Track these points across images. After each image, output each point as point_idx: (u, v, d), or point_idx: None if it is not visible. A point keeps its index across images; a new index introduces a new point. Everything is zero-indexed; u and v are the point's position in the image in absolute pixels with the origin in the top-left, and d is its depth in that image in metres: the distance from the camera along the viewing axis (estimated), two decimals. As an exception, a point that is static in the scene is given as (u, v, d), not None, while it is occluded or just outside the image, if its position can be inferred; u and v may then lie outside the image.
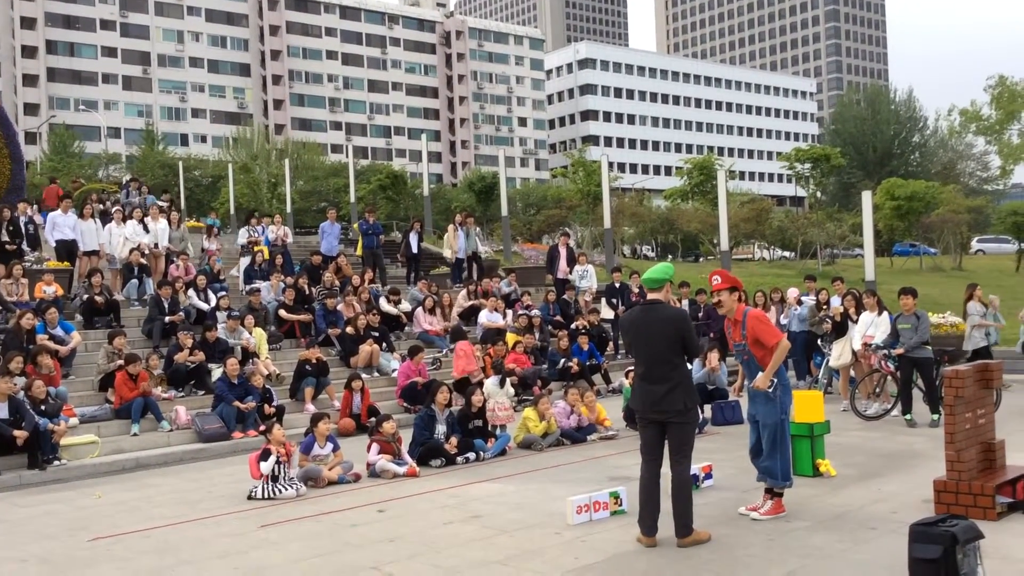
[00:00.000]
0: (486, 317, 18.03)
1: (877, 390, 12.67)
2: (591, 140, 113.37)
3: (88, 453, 11.41)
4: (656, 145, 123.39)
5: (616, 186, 40.34)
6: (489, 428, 11.09)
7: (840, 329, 13.77)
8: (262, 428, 9.56)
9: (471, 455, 10.49)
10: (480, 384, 12.51)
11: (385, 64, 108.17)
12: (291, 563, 6.76)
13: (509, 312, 18.65)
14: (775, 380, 7.42)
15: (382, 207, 39.90)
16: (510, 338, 16.65)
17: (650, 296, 6.99)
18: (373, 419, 13.16)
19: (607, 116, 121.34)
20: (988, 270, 37.36)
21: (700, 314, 17.82)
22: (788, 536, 6.89)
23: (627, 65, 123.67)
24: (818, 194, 37.91)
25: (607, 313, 18.93)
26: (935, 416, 11.69)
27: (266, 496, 8.92)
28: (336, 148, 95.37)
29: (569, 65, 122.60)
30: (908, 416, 11.81)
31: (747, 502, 7.74)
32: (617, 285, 18.99)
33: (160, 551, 7.25)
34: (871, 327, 12.90)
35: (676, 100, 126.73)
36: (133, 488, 10.00)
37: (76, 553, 7.28)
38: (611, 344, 18.56)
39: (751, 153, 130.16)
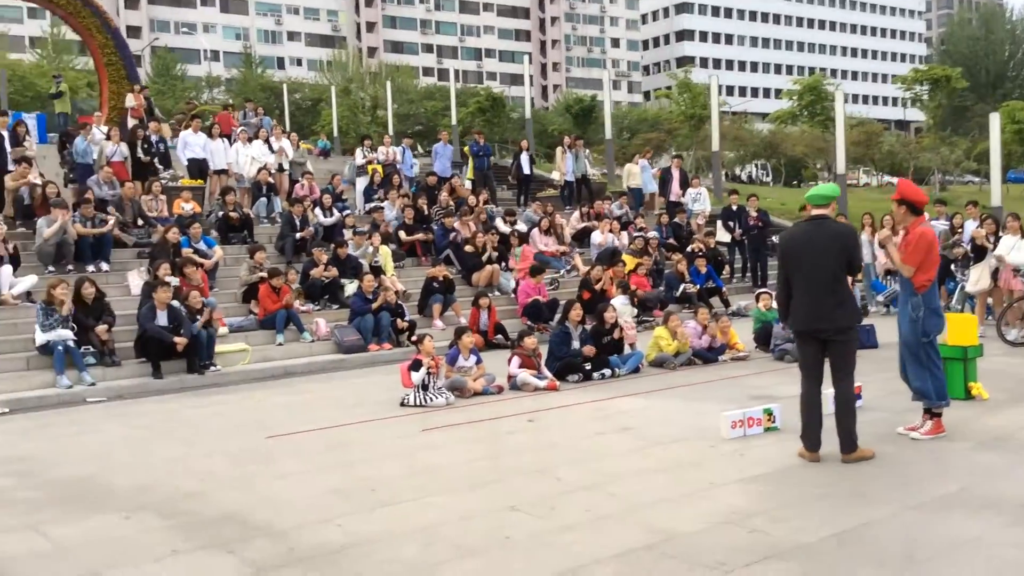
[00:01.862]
0: (601, 238, 18.10)
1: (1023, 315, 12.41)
2: (687, 61, 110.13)
3: (239, 360, 12.02)
4: (755, 67, 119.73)
5: (722, 110, 39.45)
6: (622, 345, 11.28)
7: (979, 254, 13.45)
8: (414, 339, 9.95)
9: (607, 371, 10.72)
10: (609, 302, 12.66)
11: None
12: (460, 464, 7.09)
13: (623, 234, 18.70)
14: (920, 303, 7.35)
15: (481, 130, 39.90)
16: (628, 260, 16.75)
17: (816, 212, 6.97)
18: (500, 335, 13.55)
19: (703, 36, 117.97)
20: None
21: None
22: (953, 455, 6.92)
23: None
24: (931, 118, 36.36)
25: (723, 236, 18.82)
26: (1078, 343, 11.45)
27: (418, 404, 9.31)
28: (428, 71, 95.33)
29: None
30: (1050, 342, 11.58)
31: (902, 423, 7.76)
32: (734, 208, 18.82)
33: (334, 448, 7.69)
34: (1014, 251, 12.58)
35: (776, 19, 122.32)
36: (289, 393, 10.54)
37: (258, 448, 7.77)
38: (727, 267, 18.48)
39: (855, 75, 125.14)
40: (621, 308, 12.82)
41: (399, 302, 13.53)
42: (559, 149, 22.70)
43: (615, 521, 5.60)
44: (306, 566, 5.01)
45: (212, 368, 11.56)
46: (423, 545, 5.29)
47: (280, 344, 12.67)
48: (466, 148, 22.23)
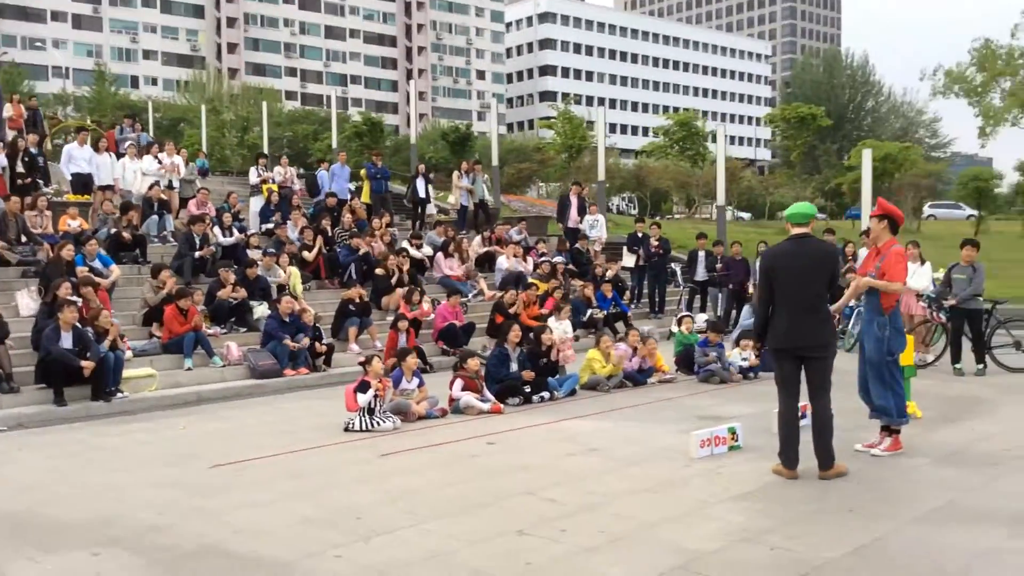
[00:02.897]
0: (508, 264, 18.00)
1: (927, 340, 13.00)
2: (549, 96, 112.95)
3: (146, 386, 11.23)
4: (613, 103, 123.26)
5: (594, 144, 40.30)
6: (556, 367, 11.16)
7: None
8: (361, 360, 9.48)
9: (545, 394, 10.56)
10: (546, 324, 12.53)
11: (343, 10, 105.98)
12: (440, 488, 6.76)
13: (528, 259, 18.66)
14: (887, 322, 7.58)
15: (353, 156, 39.29)
16: (539, 285, 16.68)
17: (798, 231, 7.05)
18: (419, 359, 13.18)
19: (565, 72, 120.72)
20: (946, 234, 38.35)
21: (718, 265, 18.03)
22: (919, 471, 7.09)
23: (587, 21, 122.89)
24: (796, 155, 38.18)
25: (627, 261, 19.05)
26: (980, 366, 12.06)
27: (364, 428, 8.88)
28: (291, 95, 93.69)
29: (529, 18, 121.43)
30: (957, 365, 12.14)
31: (855, 440, 7.91)
32: (640, 235, 19.09)
33: (292, 477, 7.21)
34: (915, 276, 13.17)
35: (634, 58, 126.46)
36: (212, 420, 9.89)
37: (208, 480, 7.20)
38: (627, 293, 18.68)
39: (706, 114, 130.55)
40: (556, 329, 12.70)
41: (316, 325, 12.98)
42: (456, 173, 22.54)
43: (634, 542, 5.43)
44: (325, 599, 4.62)
45: (119, 395, 10.74)
46: (442, 573, 4.96)
47: (189, 369, 11.90)
48: (362, 171, 21.76)
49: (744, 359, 11.97)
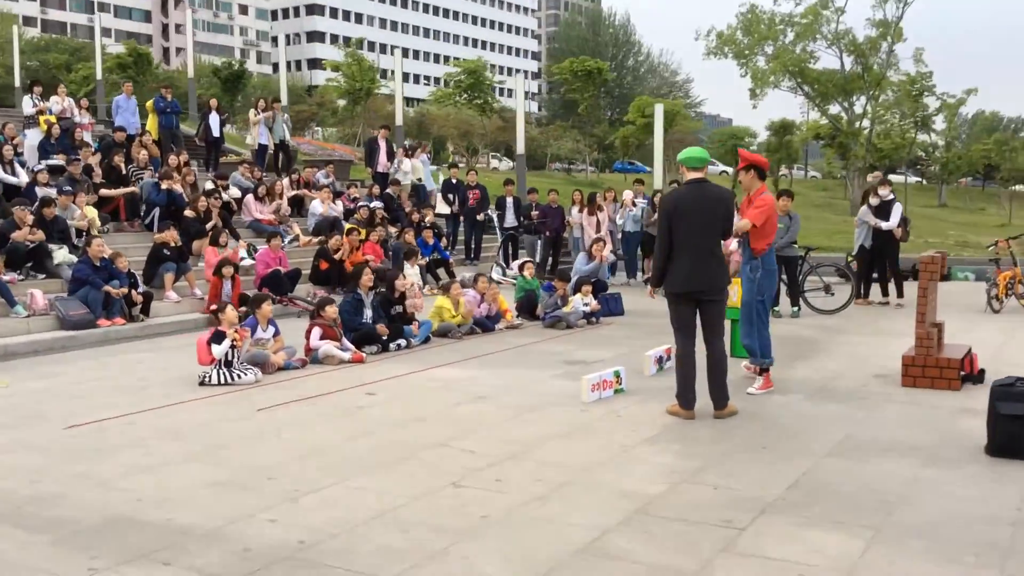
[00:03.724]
0: (322, 208, 17.28)
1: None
2: (317, 37, 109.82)
3: (-59, 340, 9.84)
4: (384, 48, 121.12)
5: (378, 87, 39.42)
6: (408, 314, 10.83)
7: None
8: (213, 308, 8.71)
9: (402, 342, 10.23)
10: (401, 269, 12.09)
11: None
12: (344, 443, 6.35)
13: (338, 203, 18.00)
14: (759, 264, 7.91)
15: (115, 91, 36.23)
16: (360, 231, 16.14)
17: (694, 175, 7.10)
18: (244, 308, 12.44)
19: (334, 12, 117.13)
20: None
21: (534, 212, 18.19)
22: (801, 408, 7.42)
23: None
24: (583, 108, 39.11)
25: (442, 208, 18.82)
26: (795, 309, 12.93)
27: (222, 382, 8.21)
28: (29, 21, 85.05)
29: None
30: (776, 308, 12.91)
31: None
32: (454, 181, 18.87)
33: (172, 436, 6.53)
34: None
35: (405, 3, 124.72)
36: (35, 377, 8.82)
37: (71, 443, 6.38)
38: (444, 239, 18.50)
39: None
40: (410, 274, 12.30)
41: (131, 271, 11.86)
42: (252, 112, 21.29)
43: (578, 488, 5.33)
44: (290, 570, 4.19)
45: (-91, 349, 9.35)
46: (399, 531, 4.65)
47: (-12, 320, 10.56)
48: (149, 103, 20.02)
49: (585, 304, 12.14)
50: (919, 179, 59.23)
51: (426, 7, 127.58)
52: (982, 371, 8.17)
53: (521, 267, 13.08)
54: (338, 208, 17.71)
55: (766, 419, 7.02)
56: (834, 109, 36.54)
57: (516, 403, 7.60)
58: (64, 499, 5.17)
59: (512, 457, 5.99)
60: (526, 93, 53.76)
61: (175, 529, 4.70)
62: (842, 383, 8.38)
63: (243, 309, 12.20)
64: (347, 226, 16.56)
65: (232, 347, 8.32)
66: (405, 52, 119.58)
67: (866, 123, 35.63)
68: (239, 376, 8.27)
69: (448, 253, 17.48)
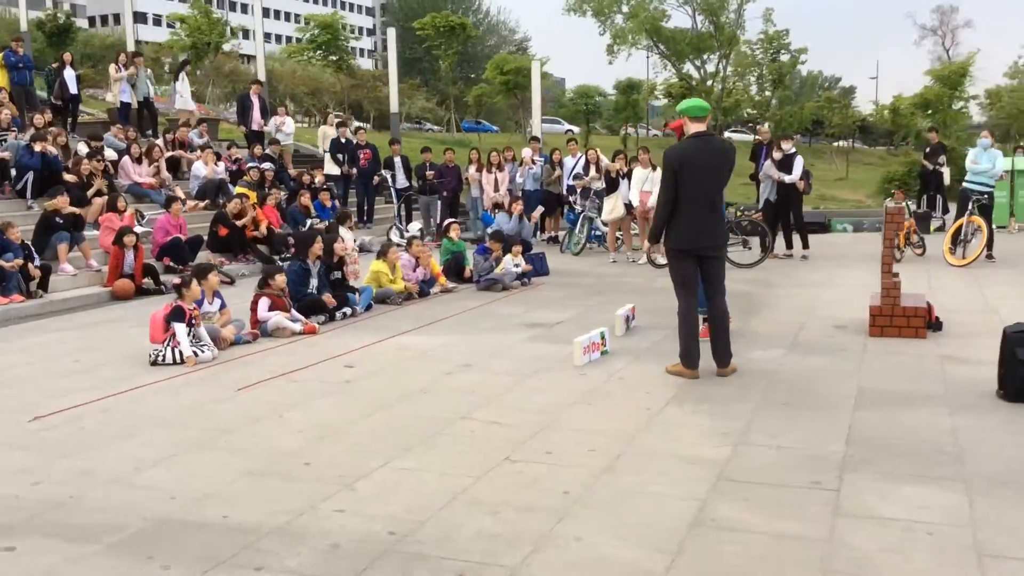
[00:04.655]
0: (206, 170, 16.22)
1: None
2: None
3: None
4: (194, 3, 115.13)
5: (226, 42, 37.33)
6: (347, 281, 10.29)
7: (611, 185, 14.63)
8: (176, 282, 7.88)
9: (347, 310, 9.70)
10: (338, 233, 11.43)
11: None
12: (355, 421, 5.91)
13: (220, 165, 16.96)
14: None
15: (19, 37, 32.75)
16: (248, 193, 15.25)
17: (698, 127, 6.93)
18: (148, 278, 11.60)
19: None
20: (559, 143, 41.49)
21: (429, 172, 17.73)
22: (789, 361, 7.48)
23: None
24: (447, 65, 38.26)
25: (331, 169, 18.05)
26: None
27: (177, 360, 7.52)
28: None
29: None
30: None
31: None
32: (343, 140, 18.11)
33: (160, 423, 5.90)
34: (647, 182, 13.92)
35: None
36: (-49, 364, 7.81)
37: (44, 435, 5.66)
38: (337, 201, 17.77)
39: (292, 17, 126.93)
40: (348, 239, 11.65)
41: (25, 242, 10.73)
42: (112, 67, 19.69)
43: (638, 457, 5.12)
44: (403, 564, 3.81)
45: None
46: (487, 514, 4.33)
47: None
48: (-3, 57, 18.17)
49: (516, 265, 11.90)
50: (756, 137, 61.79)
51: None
52: (938, 319, 8.48)
53: (446, 229, 12.67)
54: (220, 170, 16.69)
55: (768, 375, 7.02)
56: (687, 68, 37.49)
57: (508, 369, 7.32)
58: (84, 501, 4.55)
59: (545, 427, 5.73)
60: (362, 50, 52.37)
61: (238, 528, 4.21)
62: (809, 335, 8.52)
63: (148, 280, 11.40)
64: (237, 189, 15.62)
65: (190, 324, 7.63)
66: (233, 6, 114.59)
67: (719, 82, 36.68)
68: (198, 354, 7.59)
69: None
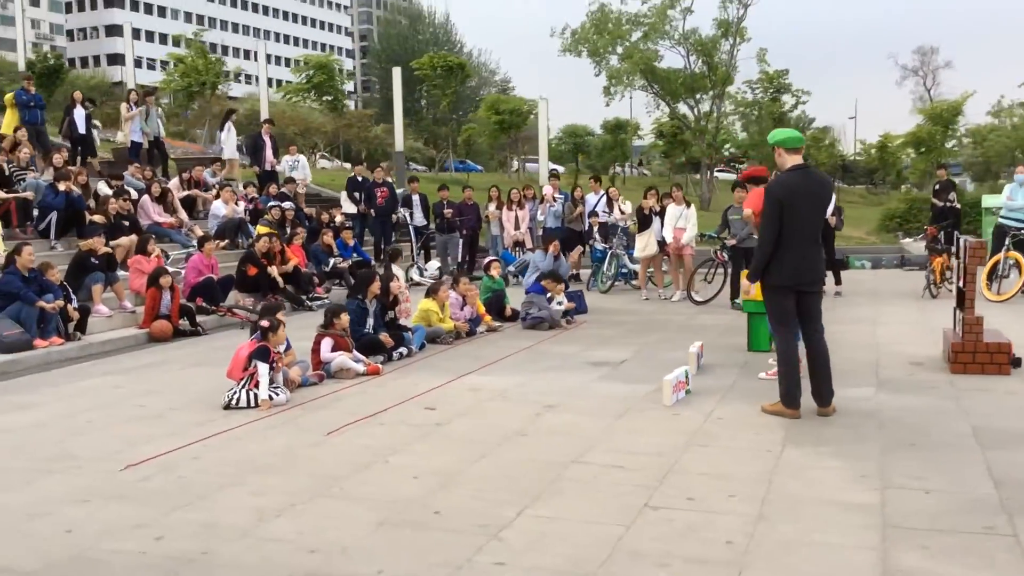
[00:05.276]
0: (226, 209, 15.93)
1: (708, 278, 13.64)
2: (116, 31, 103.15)
3: None
4: (191, 44, 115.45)
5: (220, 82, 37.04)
6: (399, 320, 10.02)
7: (644, 222, 14.47)
8: (265, 324, 7.52)
9: (403, 350, 9.41)
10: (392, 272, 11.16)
11: None
12: (463, 466, 5.61)
13: (240, 205, 16.69)
14: None
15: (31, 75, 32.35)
16: (263, 230, 14.95)
17: (794, 159, 6.77)
18: (185, 319, 11.29)
19: (135, 5, 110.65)
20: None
21: (446, 211, 17.52)
22: (883, 400, 7.27)
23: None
24: (439, 104, 38.28)
25: (348, 208, 17.80)
26: (737, 300, 13.00)
27: (251, 404, 7.20)
28: None
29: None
30: (737, 301, 12.91)
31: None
32: (359, 179, 17.89)
33: (258, 471, 5.57)
34: (680, 219, 13.79)
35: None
36: (9, 409, 7.44)
37: (142, 485, 5.32)
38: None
39: (287, 61, 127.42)
40: (402, 277, 11.39)
41: (64, 283, 10.39)
42: (124, 106, 19.43)
43: (782, 503, 4.86)
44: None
45: None
46: (660, 567, 4.06)
47: (-98, 345, 8.92)
48: (9, 97, 17.86)
49: (559, 303, 11.67)
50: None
51: (234, 1, 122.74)
52: (1018, 357, 8.32)
53: (487, 266, 12.44)
54: (240, 209, 16.41)
55: (872, 415, 6.79)
56: (682, 109, 37.64)
57: (595, 410, 7.06)
58: (218, 556, 4.24)
59: (670, 471, 5.47)
60: (350, 92, 52.51)
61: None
62: (890, 373, 8.33)
63: (184, 321, 11.08)
64: (260, 229, 15.31)
65: (271, 366, 7.33)
66: (213, 48, 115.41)
67: (713, 121, 36.86)
68: (273, 397, 7.28)
69: (369, 255, 16.55)
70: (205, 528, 4.62)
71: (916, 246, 22.13)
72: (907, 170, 48.64)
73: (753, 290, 8.82)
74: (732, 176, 63.26)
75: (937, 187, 20.38)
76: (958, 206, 19.32)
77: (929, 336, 10.25)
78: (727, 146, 47.71)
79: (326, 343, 8.43)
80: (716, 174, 40.86)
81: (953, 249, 14.72)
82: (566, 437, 6.27)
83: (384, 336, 9.19)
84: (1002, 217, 13.76)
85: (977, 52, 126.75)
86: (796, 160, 6.78)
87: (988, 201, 20.09)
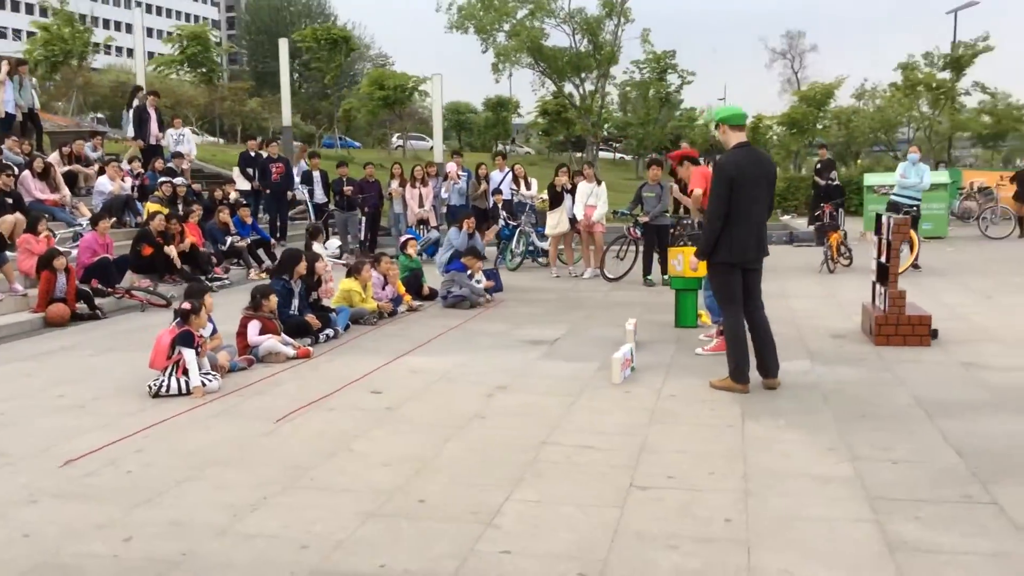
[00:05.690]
0: (112, 186, 15.05)
1: (620, 255, 13.69)
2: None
3: None
4: (57, 13, 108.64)
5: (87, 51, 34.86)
6: (321, 301, 9.66)
7: (555, 199, 14.39)
8: (186, 307, 7.04)
9: (329, 331, 9.08)
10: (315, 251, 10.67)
11: None
12: (433, 451, 5.42)
13: (127, 180, 15.81)
14: None
15: None
16: (158, 208, 14.23)
17: (740, 137, 6.81)
18: (83, 303, 10.64)
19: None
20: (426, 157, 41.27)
21: (346, 188, 17.08)
22: (822, 372, 7.44)
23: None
24: (330, 77, 37.08)
25: (242, 184, 17.11)
26: (666, 276, 13.14)
27: (181, 391, 6.79)
28: None
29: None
30: (649, 277, 13.06)
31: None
32: (252, 154, 17.21)
33: (212, 462, 5.24)
34: (591, 196, 13.81)
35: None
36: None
37: (90, 481, 4.92)
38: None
39: (151, 32, 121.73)
40: (325, 255, 10.92)
41: (-51, 264, 9.57)
42: (-9, 73, 18.04)
43: (764, 479, 4.87)
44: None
45: None
46: (669, 548, 4.00)
47: None
48: None
49: (478, 281, 11.51)
50: (618, 155, 63.04)
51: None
52: (935, 328, 8.65)
53: (403, 245, 12.12)
54: (127, 186, 15.55)
55: (815, 387, 6.94)
56: (567, 88, 37.81)
57: (548, 389, 6.97)
58: (201, 557, 3.94)
59: (642, 450, 5.42)
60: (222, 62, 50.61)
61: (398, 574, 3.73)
62: (817, 346, 8.54)
63: (81, 304, 10.47)
64: (150, 206, 14.54)
65: (197, 351, 6.91)
66: (83, 18, 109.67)
67: (598, 100, 37.20)
68: (204, 383, 6.88)
69: (268, 234, 15.95)
70: (175, 526, 4.29)
71: (798, 223, 22.94)
72: (774, 150, 50.49)
73: (679, 264, 8.98)
74: (610, 155, 64.26)
75: (819, 166, 21.16)
76: (839, 184, 20.10)
77: (840, 309, 10.60)
78: (607, 125, 48.32)
79: (253, 326, 8.03)
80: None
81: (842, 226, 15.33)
82: (527, 418, 6.15)
83: (311, 317, 8.85)
84: (894, 195, 14.34)
85: (839, 37, 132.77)
86: (740, 137, 6.83)
87: (870, 179, 20.96)
